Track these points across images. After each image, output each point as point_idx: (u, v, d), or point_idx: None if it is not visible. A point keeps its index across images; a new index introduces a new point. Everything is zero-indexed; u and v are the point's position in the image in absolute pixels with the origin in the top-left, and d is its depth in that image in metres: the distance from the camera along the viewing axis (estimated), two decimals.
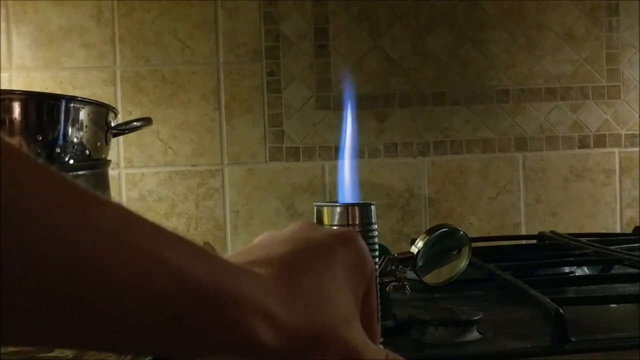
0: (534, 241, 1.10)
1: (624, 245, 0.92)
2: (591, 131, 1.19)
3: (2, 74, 1.11)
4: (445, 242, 0.57)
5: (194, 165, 1.15)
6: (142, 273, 0.22)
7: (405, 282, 0.58)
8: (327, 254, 0.30)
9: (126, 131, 0.94)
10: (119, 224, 0.22)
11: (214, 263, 0.25)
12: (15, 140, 0.77)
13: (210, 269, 0.25)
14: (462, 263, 0.58)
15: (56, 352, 0.59)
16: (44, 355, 0.59)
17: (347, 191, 0.53)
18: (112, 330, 0.22)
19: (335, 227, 0.53)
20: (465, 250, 0.58)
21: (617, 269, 0.85)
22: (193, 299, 0.24)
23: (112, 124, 0.90)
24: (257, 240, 0.33)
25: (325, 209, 0.54)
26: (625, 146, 1.19)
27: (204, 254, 0.25)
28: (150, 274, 0.22)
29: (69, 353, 0.58)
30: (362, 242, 0.32)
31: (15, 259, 0.19)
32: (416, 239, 0.57)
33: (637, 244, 0.93)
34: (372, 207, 0.55)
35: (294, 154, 1.16)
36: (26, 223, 0.19)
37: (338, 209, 0.53)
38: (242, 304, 0.25)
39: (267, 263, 0.28)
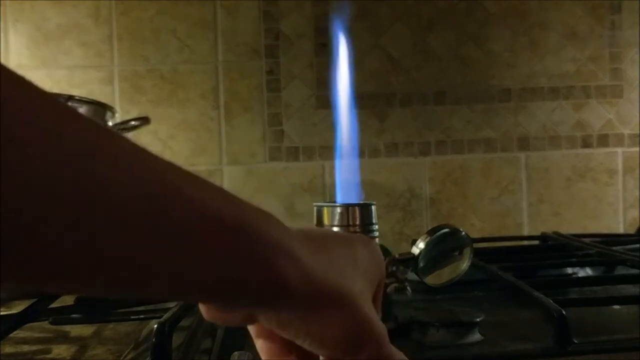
0: (537, 242, 1.09)
1: (627, 246, 0.91)
2: (594, 131, 1.18)
3: None
4: (446, 243, 0.56)
5: (193, 165, 1.14)
6: (160, 201, 0.21)
7: (406, 283, 0.58)
8: (347, 242, 0.31)
9: (124, 131, 0.93)
10: (132, 153, 0.22)
11: (233, 198, 0.25)
12: None
13: (230, 202, 0.24)
14: (464, 264, 0.57)
15: (54, 354, 0.58)
16: (42, 356, 0.58)
17: (347, 191, 0.52)
18: (131, 265, 0.21)
19: (336, 228, 0.52)
20: (467, 251, 0.57)
21: (620, 270, 0.84)
22: (215, 229, 0.23)
23: (110, 124, 0.89)
24: None
25: (325, 209, 0.53)
26: (628, 146, 1.18)
27: (222, 190, 0.25)
28: (169, 203, 0.22)
29: (67, 355, 0.57)
30: (379, 247, 0.33)
31: (31, 185, 0.18)
32: (417, 240, 0.56)
33: None
34: (373, 207, 0.54)
35: (293, 154, 1.15)
36: (39, 148, 0.18)
37: (338, 209, 0.52)
38: (267, 240, 0.25)
39: (291, 229, 0.28)
